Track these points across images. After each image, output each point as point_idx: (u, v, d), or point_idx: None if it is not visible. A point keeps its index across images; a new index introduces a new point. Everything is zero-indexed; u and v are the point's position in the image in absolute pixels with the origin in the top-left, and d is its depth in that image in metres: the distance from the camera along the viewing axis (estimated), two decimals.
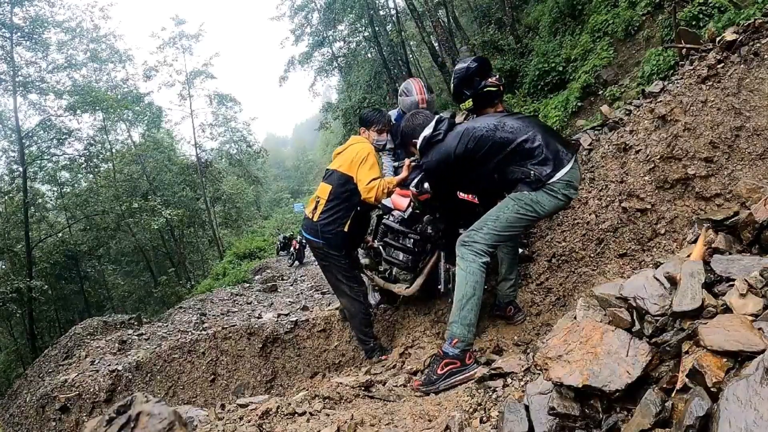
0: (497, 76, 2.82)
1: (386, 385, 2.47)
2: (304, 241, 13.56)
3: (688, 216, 2.59)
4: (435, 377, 2.17)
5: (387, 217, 3.46)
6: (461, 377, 2.12)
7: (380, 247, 3.45)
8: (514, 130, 2.22)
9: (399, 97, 3.65)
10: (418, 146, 2.44)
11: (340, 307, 4.32)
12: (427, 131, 2.41)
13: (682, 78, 3.03)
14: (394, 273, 3.46)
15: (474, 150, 2.24)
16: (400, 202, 3.22)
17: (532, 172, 2.16)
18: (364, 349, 3.41)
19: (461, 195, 2.64)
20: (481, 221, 2.30)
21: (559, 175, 2.17)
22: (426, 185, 2.77)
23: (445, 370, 2.15)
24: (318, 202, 3.16)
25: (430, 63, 19.32)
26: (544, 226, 3.40)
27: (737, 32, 2.89)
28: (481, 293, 2.24)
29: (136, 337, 5.88)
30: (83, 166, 19.70)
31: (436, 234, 3.05)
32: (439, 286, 2.96)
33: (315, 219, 3.13)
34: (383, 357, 3.22)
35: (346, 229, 3.09)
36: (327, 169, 3.27)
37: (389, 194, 3.01)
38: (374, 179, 2.95)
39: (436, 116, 2.50)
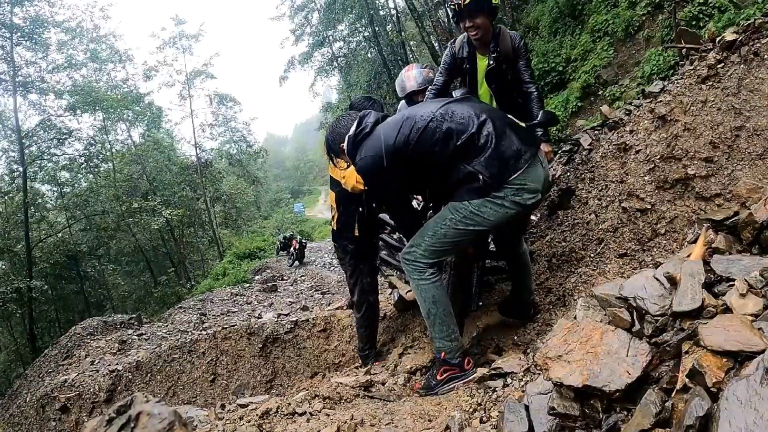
0: None
1: (386, 385, 2.47)
2: (304, 241, 13.59)
3: (688, 216, 2.59)
4: (434, 382, 2.14)
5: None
6: (461, 383, 2.08)
7: (382, 244, 3.40)
8: (464, 120, 1.91)
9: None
10: (345, 151, 2.14)
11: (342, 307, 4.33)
12: (350, 132, 2.11)
13: (682, 78, 3.03)
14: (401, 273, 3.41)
15: (417, 143, 1.92)
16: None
17: (480, 174, 1.86)
18: (360, 355, 3.45)
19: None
20: (419, 235, 2.08)
21: (513, 176, 1.87)
22: None
23: (444, 376, 2.12)
24: (333, 208, 3.22)
25: (429, 63, 19.32)
26: (544, 225, 3.40)
27: (737, 32, 2.89)
28: (445, 302, 2.08)
29: (136, 337, 5.89)
30: (83, 166, 19.70)
31: None
32: None
33: (335, 227, 3.22)
34: (376, 363, 3.24)
35: (356, 233, 3.08)
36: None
37: None
38: (348, 173, 2.75)
39: (358, 113, 2.21)
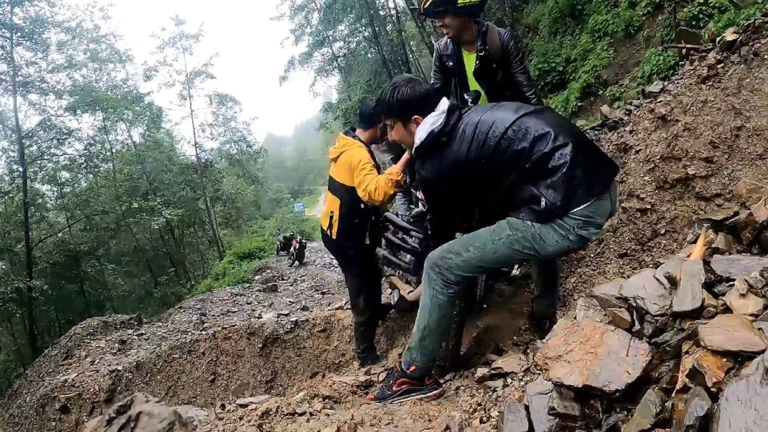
0: None
1: None
2: (304, 241, 13.59)
3: (688, 216, 2.59)
4: (389, 393, 1.99)
5: (396, 211, 3.31)
6: (417, 397, 1.95)
7: (385, 244, 3.30)
8: (538, 139, 1.68)
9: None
10: (417, 140, 1.85)
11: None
12: (435, 123, 1.81)
13: (682, 78, 3.03)
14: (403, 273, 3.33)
15: (487, 162, 1.73)
16: None
17: (542, 198, 1.65)
18: (359, 357, 3.45)
19: None
20: (464, 242, 1.85)
21: (578, 208, 1.64)
22: None
23: (401, 387, 1.98)
24: (332, 216, 3.01)
25: (430, 63, 19.32)
26: None
27: (737, 32, 2.89)
28: (447, 326, 1.97)
29: (136, 337, 5.89)
30: (83, 166, 19.70)
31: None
32: None
33: (334, 236, 3.01)
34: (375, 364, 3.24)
35: (367, 241, 2.99)
36: (329, 176, 3.08)
37: (398, 184, 2.61)
38: (368, 182, 2.65)
39: (446, 100, 1.89)
